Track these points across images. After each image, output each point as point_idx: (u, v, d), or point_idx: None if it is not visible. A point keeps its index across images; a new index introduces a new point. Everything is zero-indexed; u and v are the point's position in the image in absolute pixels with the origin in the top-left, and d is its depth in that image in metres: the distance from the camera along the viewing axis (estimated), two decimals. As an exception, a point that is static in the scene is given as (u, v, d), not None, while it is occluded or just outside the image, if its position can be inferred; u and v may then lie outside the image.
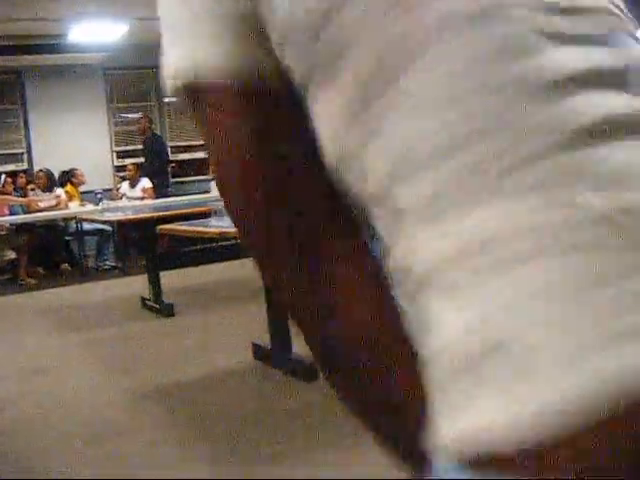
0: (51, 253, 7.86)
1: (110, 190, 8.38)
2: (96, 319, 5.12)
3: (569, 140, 0.38)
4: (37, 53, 8.03)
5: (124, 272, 7.18)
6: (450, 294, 0.38)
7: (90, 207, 7.55)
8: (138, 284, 5.65)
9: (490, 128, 0.38)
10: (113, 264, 7.74)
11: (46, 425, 3.07)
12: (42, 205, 7.50)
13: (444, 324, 0.38)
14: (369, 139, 0.42)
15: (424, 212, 0.39)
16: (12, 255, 7.44)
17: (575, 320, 0.34)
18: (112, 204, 7.36)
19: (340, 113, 0.42)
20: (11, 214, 7.57)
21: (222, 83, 0.44)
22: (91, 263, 7.69)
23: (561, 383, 0.33)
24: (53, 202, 7.60)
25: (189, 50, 0.45)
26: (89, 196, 7.94)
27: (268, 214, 0.45)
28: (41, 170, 7.82)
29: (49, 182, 7.75)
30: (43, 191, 7.70)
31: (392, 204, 0.41)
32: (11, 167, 8.32)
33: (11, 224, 7.48)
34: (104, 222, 6.99)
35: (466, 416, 0.36)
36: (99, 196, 7.61)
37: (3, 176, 7.77)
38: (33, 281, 7.40)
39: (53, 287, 6.82)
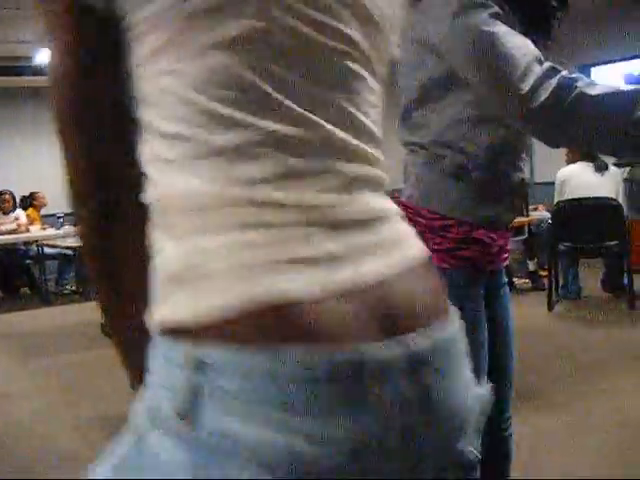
0: (11, 276, 7.77)
1: (72, 214, 8.27)
2: (55, 345, 5.06)
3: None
4: (2, 75, 7.99)
5: (85, 297, 7.07)
6: (168, 232, 0.58)
7: (52, 231, 7.45)
8: (98, 310, 5.57)
9: None
10: (74, 289, 7.65)
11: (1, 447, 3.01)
12: (2, 228, 7.38)
13: (163, 250, 0.58)
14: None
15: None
16: None
17: (240, 261, 0.54)
18: (74, 228, 7.24)
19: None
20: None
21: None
22: (52, 287, 7.57)
23: (225, 292, 0.54)
24: (14, 225, 7.49)
25: None
26: (51, 219, 7.85)
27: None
28: (6, 192, 7.68)
29: (13, 204, 7.64)
30: (4, 214, 7.58)
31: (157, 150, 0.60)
32: None
33: None
34: (65, 247, 6.93)
35: (165, 307, 0.57)
36: (61, 220, 7.50)
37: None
38: None
39: (12, 311, 6.74)
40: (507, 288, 1.65)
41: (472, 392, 0.67)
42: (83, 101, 0.62)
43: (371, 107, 0.66)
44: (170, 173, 0.58)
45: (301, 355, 0.52)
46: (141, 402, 0.59)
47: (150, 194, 0.61)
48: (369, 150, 0.65)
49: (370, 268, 0.59)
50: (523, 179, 1.49)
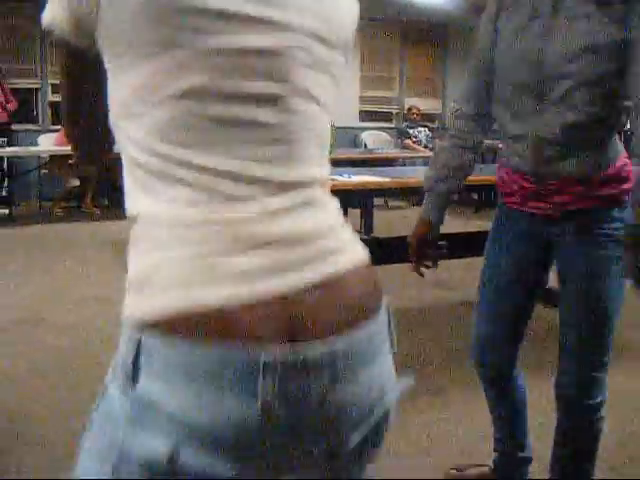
0: (118, 186, 7.20)
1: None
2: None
3: None
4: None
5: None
6: (134, 248, 0.77)
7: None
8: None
9: None
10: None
11: (101, 348, 3.05)
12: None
13: (131, 262, 0.77)
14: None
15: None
16: (76, 183, 7.58)
17: (175, 275, 0.71)
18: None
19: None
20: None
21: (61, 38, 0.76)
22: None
23: (162, 299, 0.71)
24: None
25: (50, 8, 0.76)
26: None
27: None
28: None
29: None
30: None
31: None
32: None
33: None
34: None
35: (128, 303, 0.75)
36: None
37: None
38: (97, 211, 7.63)
39: (116, 219, 6.77)
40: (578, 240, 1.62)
41: (384, 382, 0.82)
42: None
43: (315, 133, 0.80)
44: (137, 193, 0.76)
45: (210, 350, 0.69)
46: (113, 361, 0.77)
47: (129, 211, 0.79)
48: (306, 174, 0.78)
49: (286, 282, 0.73)
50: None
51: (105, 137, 0.83)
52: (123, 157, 0.77)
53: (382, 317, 0.82)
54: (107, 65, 0.74)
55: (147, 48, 0.69)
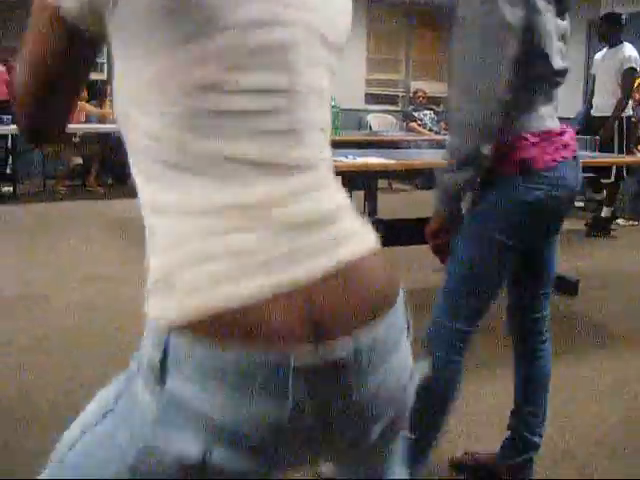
0: (122, 164, 7.74)
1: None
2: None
3: None
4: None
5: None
6: (153, 247, 0.75)
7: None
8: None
9: None
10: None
11: (106, 327, 3.15)
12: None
13: (150, 261, 0.75)
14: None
15: None
16: (79, 161, 7.58)
17: (197, 274, 0.71)
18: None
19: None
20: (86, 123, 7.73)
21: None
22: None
23: (183, 300, 0.70)
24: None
25: None
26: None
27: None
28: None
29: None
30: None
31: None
32: (92, 76, 7.79)
33: (85, 132, 7.61)
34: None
35: (150, 302, 0.74)
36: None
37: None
38: (101, 190, 7.65)
39: (120, 198, 6.85)
40: None
41: (403, 372, 0.83)
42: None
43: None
44: (150, 184, 0.76)
45: (239, 352, 0.69)
46: (137, 352, 0.76)
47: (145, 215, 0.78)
48: (315, 157, 0.80)
49: (306, 273, 0.73)
50: None
51: (63, 123, 0.84)
52: (131, 147, 0.76)
53: (400, 304, 0.82)
54: (115, 52, 0.74)
55: (162, 41, 0.70)
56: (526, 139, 1.63)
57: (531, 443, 1.95)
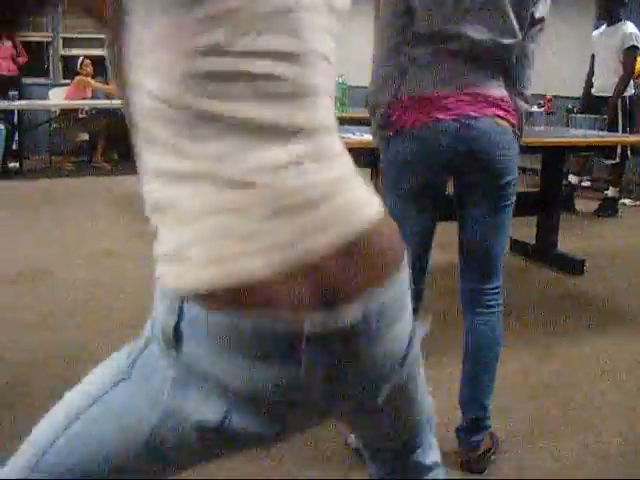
0: (128, 140, 7.30)
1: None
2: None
3: None
4: None
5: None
6: (162, 219, 0.76)
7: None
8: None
9: None
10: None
11: (111, 303, 3.15)
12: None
13: (159, 232, 0.76)
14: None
15: None
16: (85, 137, 7.63)
17: (211, 248, 0.72)
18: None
19: None
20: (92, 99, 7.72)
21: None
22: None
23: (198, 273, 0.72)
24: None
25: None
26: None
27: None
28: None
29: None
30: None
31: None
32: (98, 52, 8.11)
33: (91, 108, 7.63)
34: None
35: (163, 271, 0.75)
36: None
37: (81, 58, 7.84)
38: (107, 166, 7.61)
39: (126, 174, 6.80)
40: None
41: (406, 333, 0.86)
42: None
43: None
44: (155, 149, 0.77)
45: (252, 320, 0.71)
46: (150, 319, 0.79)
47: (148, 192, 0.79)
48: (322, 122, 0.80)
49: (315, 246, 0.74)
50: None
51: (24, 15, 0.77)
52: (135, 111, 0.76)
53: (405, 270, 0.84)
54: (126, 9, 0.73)
55: (168, 3, 0.70)
56: (400, 102, 1.83)
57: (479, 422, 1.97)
